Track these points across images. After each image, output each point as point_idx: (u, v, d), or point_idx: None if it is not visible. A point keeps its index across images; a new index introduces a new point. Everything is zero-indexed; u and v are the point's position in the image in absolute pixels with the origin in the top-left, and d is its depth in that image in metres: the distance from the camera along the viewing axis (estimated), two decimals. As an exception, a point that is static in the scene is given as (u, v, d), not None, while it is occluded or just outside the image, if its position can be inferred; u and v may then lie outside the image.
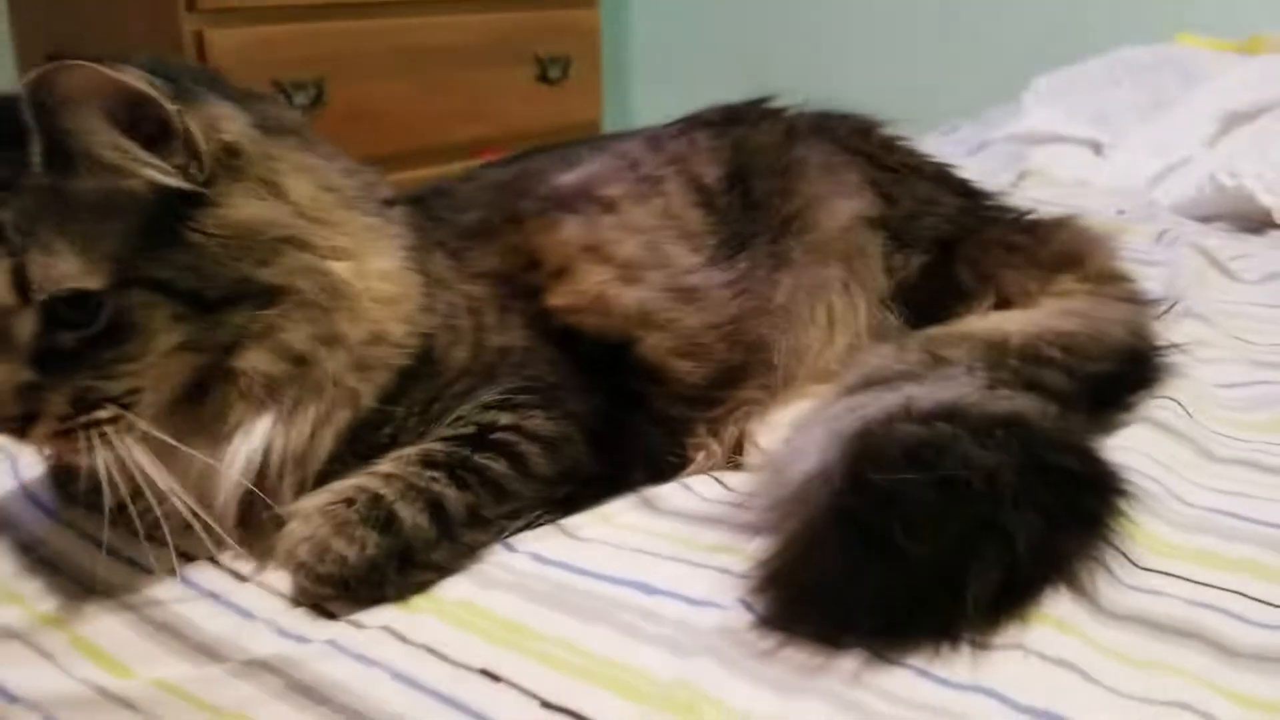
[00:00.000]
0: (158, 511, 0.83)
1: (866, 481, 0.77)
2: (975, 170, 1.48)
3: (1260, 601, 0.77)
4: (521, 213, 1.06)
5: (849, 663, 0.71)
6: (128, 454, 0.80)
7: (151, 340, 0.79)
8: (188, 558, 0.87)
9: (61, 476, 0.96)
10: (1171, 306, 1.32)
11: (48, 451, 0.93)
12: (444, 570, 0.83)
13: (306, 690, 0.73)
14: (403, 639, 0.77)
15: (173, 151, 0.79)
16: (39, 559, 0.90)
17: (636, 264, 1.04)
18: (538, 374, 0.95)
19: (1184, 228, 1.74)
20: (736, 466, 1.01)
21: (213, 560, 0.87)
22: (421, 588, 0.82)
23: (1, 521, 0.96)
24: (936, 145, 1.91)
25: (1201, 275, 1.49)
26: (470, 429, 0.89)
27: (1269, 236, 1.73)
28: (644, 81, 3.93)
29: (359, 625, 0.79)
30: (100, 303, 0.77)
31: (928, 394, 0.87)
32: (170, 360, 0.80)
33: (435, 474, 0.85)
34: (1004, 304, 1.12)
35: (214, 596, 0.84)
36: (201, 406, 0.84)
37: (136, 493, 0.82)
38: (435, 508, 0.83)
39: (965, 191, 1.26)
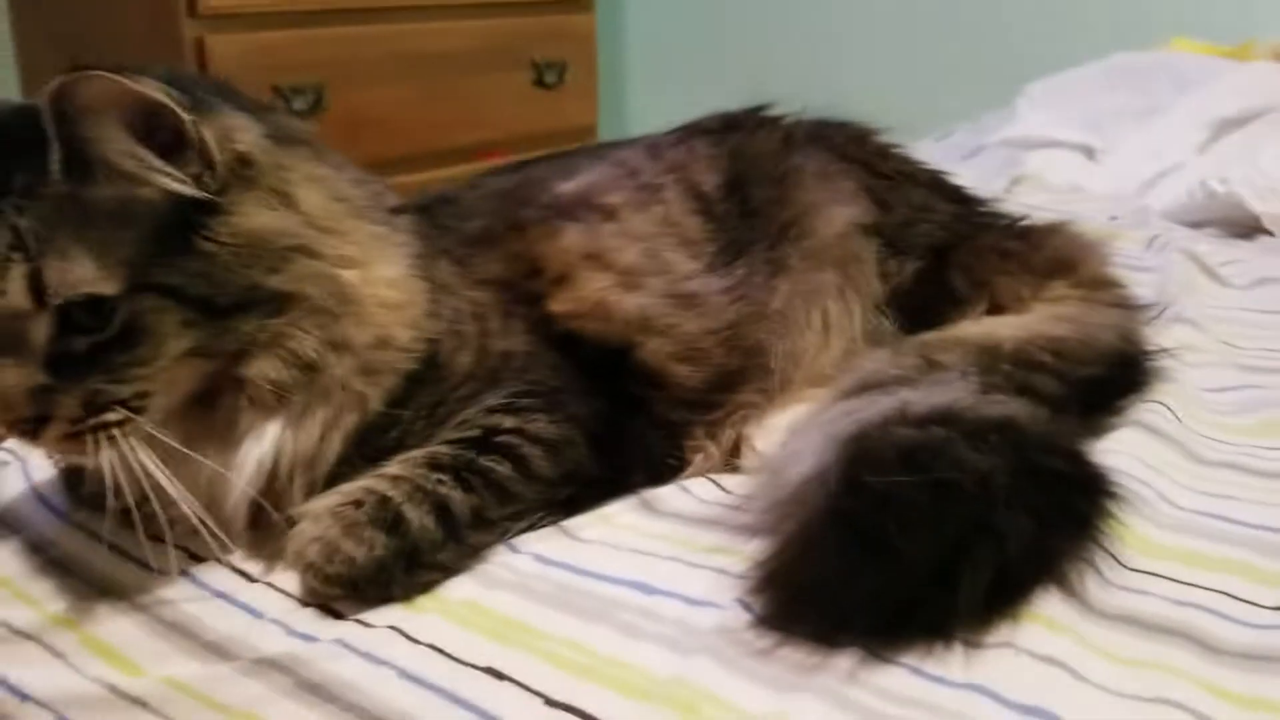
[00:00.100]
0: (165, 515, 0.84)
1: (862, 484, 0.78)
2: (969, 175, 1.50)
3: (1246, 601, 0.78)
4: (524, 220, 1.07)
5: (845, 661, 0.72)
6: (135, 457, 0.81)
7: (162, 345, 0.80)
8: (197, 558, 0.88)
9: (72, 479, 0.97)
10: (1162, 312, 1.34)
11: (57, 456, 0.95)
12: (449, 570, 0.84)
13: (315, 688, 0.75)
14: (409, 638, 0.78)
15: (187, 161, 0.80)
16: (50, 560, 0.92)
17: (636, 271, 1.05)
18: (540, 378, 0.97)
19: (1175, 233, 1.75)
20: (734, 469, 1.02)
21: (221, 561, 0.88)
22: (427, 588, 0.83)
23: (13, 523, 0.97)
24: (931, 150, 1.93)
25: (1191, 281, 1.50)
26: (475, 432, 0.91)
27: (1258, 242, 1.74)
28: (639, 86, 3.94)
29: (366, 625, 0.80)
30: (113, 308, 0.78)
31: (922, 398, 0.87)
32: (180, 365, 0.82)
33: (441, 476, 0.86)
34: (997, 309, 1.13)
35: (223, 596, 0.85)
36: (212, 412, 0.86)
37: (144, 495, 0.83)
38: (441, 509, 0.85)
39: (959, 198, 1.27)
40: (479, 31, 2.90)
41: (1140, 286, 1.35)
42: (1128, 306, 1.19)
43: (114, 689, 0.78)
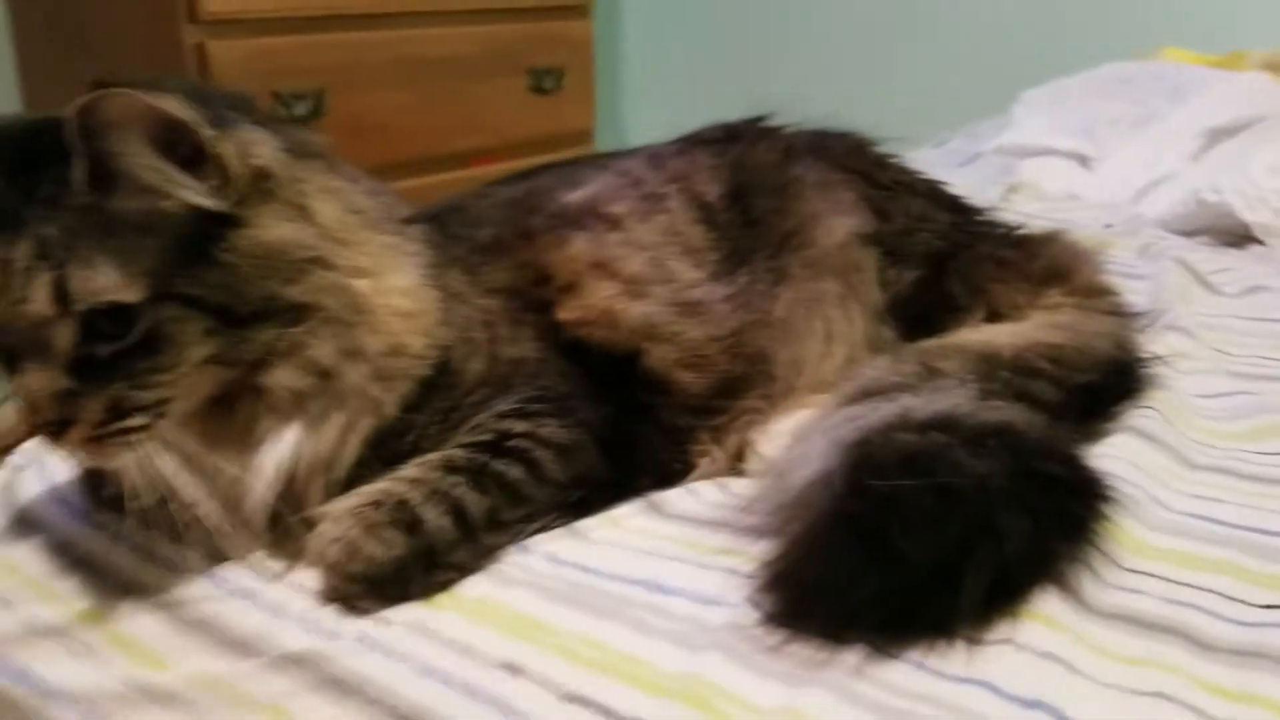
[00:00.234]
0: (186, 516, 0.86)
1: (866, 487, 0.80)
2: (965, 183, 1.50)
3: (1235, 600, 0.80)
4: (531, 230, 1.08)
5: (851, 657, 0.73)
6: (156, 461, 0.83)
7: (183, 353, 0.81)
8: (218, 558, 0.89)
9: (93, 481, 0.98)
10: (1155, 320, 1.34)
11: (78, 458, 0.96)
12: (465, 570, 0.86)
13: (338, 683, 0.77)
14: (428, 634, 0.80)
15: (207, 174, 0.81)
16: (73, 559, 0.93)
17: (642, 279, 1.07)
18: (550, 384, 0.98)
19: (1168, 241, 1.75)
20: (738, 473, 1.03)
21: (242, 561, 0.89)
22: (444, 586, 0.84)
23: (36, 524, 0.98)
24: (927, 157, 1.94)
25: (1184, 289, 1.51)
26: (488, 436, 0.92)
27: (1250, 251, 1.75)
28: (636, 92, 3.94)
29: (386, 621, 0.81)
30: (136, 316, 0.79)
31: (923, 404, 0.89)
32: (200, 372, 0.83)
33: (456, 479, 0.88)
34: (994, 317, 1.14)
35: (245, 595, 0.86)
36: (230, 417, 0.87)
37: (165, 497, 0.85)
38: (457, 511, 0.86)
39: (956, 207, 1.28)
40: (477, 38, 2.90)
41: (1134, 294, 1.36)
42: (1122, 314, 1.20)
43: (140, 684, 0.80)
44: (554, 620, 0.81)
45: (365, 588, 0.83)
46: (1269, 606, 0.80)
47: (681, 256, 1.10)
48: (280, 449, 0.88)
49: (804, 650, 0.75)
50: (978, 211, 1.31)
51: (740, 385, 1.07)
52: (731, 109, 1.32)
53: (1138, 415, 1.07)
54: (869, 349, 1.11)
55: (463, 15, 2.87)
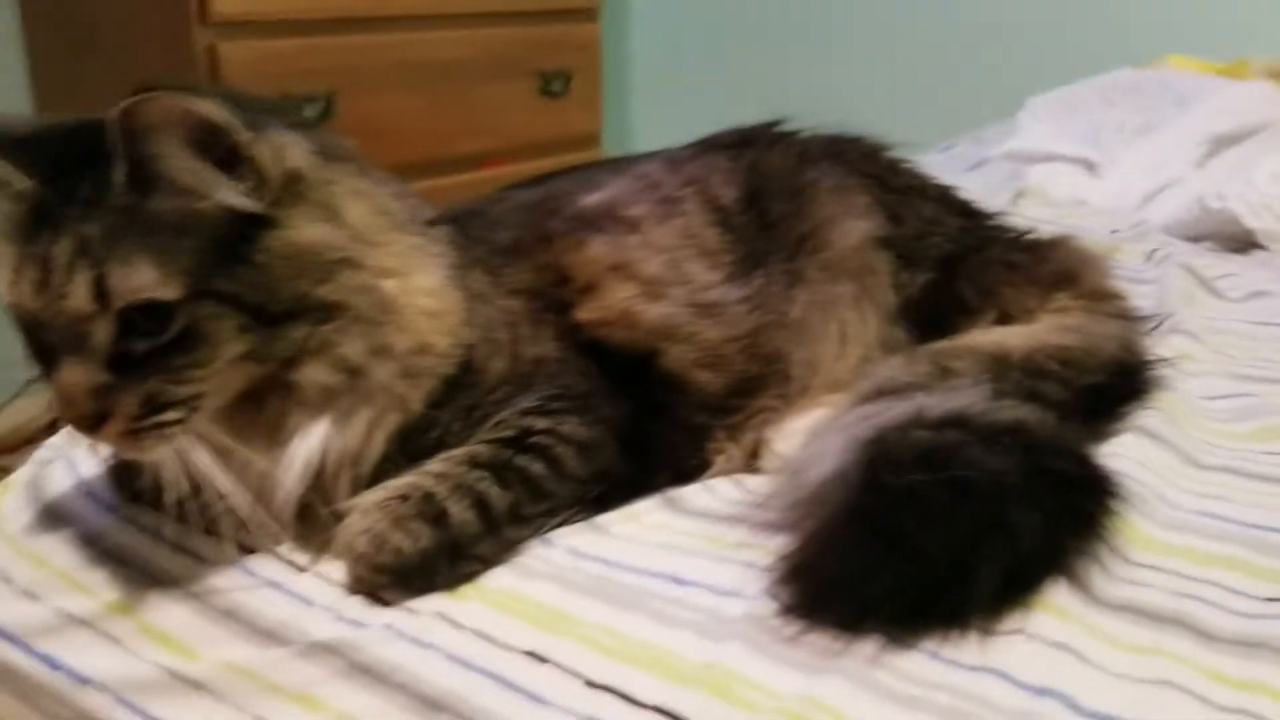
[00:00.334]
0: (218, 508, 0.88)
1: (882, 482, 0.82)
2: (974, 187, 1.52)
3: (1238, 593, 0.82)
4: (551, 232, 1.09)
5: (868, 646, 0.75)
6: (190, 454, 0.85)
7: (218, 349, 0.83)
8: (248, 550, 0.91)
9: (122, 475, 1.00)
10: (1161, 323, 1.37)
11: (108, 452, 0.98)
12: (488, 562, 0.87)
13: (366, 671, 0.78)
14: (454, 623, 0.81)
15: (243, 176, 0.83)
16: (102, 551, 0.94)
17: (659, 281, 1.08)
18: (570, 383, 1.00)
19: (1173, 247, 1.77)
20: (754, 470, 1.05)
21: (271, 552, 0.91)
22: (469, 578, 0.86)
23: (65, 517, 0.99)
24: (935, 162, 1.94)
25: (1189, 293, 1.53)
26: (511, 432, 0.94)
27: (1253, 256, 1.76)
28: (643, 95, 3.95)
29: (413, 611, 0.83)
30: (172, 313, 0.81)
31: (937, 403, 0.90)
32: (233, 369, 0.85)
33: (481, 474, 0.90)
34: (1005, 319, 1.16)
35: (274, 585, 0.87)
36: (260, 412, 0.89)
37: (197, 489, 0.87)
38: (481, 505, 0.88)
39: (966, 212, 1.29)
40: (485, 41, 2.92)
41: (1140, 298, 1.38)
42: (1128, 317, 1.22)
43: (172, 672, 0.82)
44: (576, 611, 0.82)
45: (392, 579, 0.85)
46: (1273, 599, 0.81)
47: (698, 258, 1.12)
48: (309, 443, 0.89)
49: (821, 640, 0.76)
50: (988, 216, 1.32)
51: (756, 385, 1.08)
52: (738, 113, 1.33)
53: (1144, 416, 1.09)
54: (883, 350, 1.12)
55: (471, 18, 2.88)
